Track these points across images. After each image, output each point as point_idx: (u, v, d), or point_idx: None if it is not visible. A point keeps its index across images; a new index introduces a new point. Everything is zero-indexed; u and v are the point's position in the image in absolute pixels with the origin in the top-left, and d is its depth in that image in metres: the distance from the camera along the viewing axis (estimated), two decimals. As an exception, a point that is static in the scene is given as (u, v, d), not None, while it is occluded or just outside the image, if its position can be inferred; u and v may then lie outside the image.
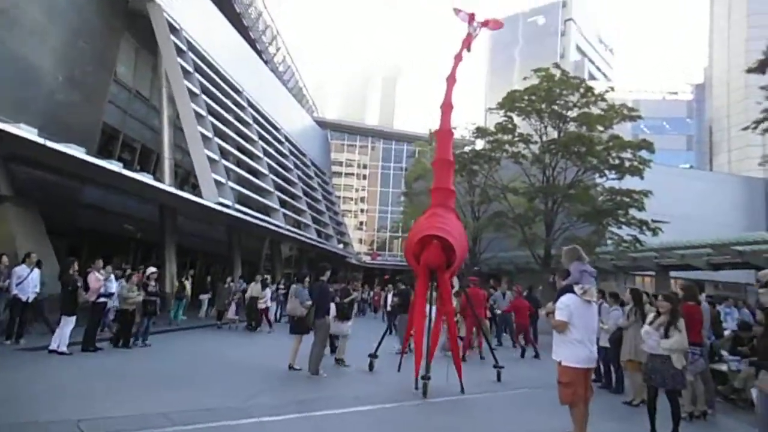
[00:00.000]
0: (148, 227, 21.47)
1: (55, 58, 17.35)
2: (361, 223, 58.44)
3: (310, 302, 7.80)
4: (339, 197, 50.76)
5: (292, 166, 33.58)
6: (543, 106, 22.38)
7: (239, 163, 26.08)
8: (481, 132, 23.77)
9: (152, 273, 10.75)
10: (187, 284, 16.26)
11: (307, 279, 8.96)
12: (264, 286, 15.67)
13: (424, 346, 7.47)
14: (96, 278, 9.20)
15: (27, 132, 11.43)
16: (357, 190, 58.31)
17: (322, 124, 52.06)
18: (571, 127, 22.72)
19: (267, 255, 34.66)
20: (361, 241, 56.90)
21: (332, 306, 8.87)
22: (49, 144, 11.84)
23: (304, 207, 33.29)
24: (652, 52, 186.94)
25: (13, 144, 11.70)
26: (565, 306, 4.71)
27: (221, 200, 18.87)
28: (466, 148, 25.84)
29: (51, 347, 8.33)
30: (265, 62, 36.69)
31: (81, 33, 18.40)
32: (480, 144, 26.00)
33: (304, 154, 39.58)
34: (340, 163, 56.35)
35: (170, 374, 7.69)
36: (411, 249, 7.82)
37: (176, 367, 8.28)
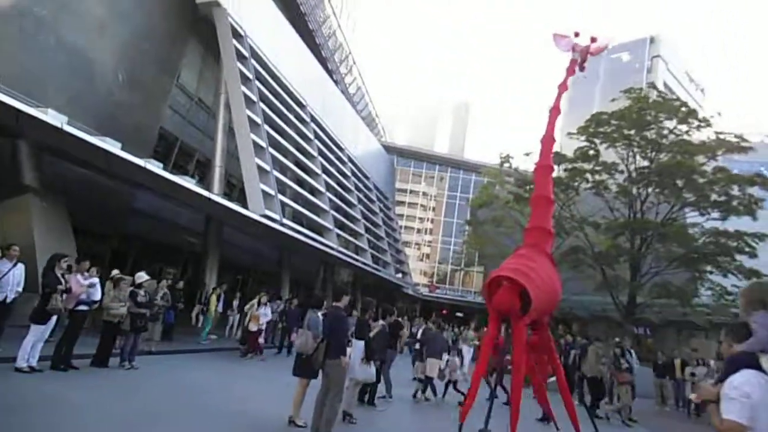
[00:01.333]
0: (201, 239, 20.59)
1: (117, 56, 17.05)
2: (425, 255, 56.30)
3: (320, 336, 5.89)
4: (401, 227, 48.98)
5: (352, 188, 32.29)
6: (632, 131, 19.58)
7: (298, 180, 25.05)
8: (558, 157, 21.22)
9: (144, 281, 9.07)
10: (214, 299, 14.41)
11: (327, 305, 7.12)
12: (260, 304, 13.25)
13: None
14: (77, 282, 7.73)
15: (53, 119, 10.57)
16: (421, 220, 56.41)
17: (390, 149, 50.97)
18: (665, 157, 19.68)
19: (323, 278, 33.28)
20: (423, 273, 54.60)
21: (357, 344, 6.94)
22: (78, 134, 10.94)
23: (362, 230, 31.75)
24: (747, 92, 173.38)
25: (40, 132, 10.89)
26: (743, 395, 2.31)
27: (267, 213, 17.59)
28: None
29: (17, 364, 6.90)
30: (336, 83, 36.24)
31: (146, 34, 18.12)
32: (555, 172, 23.35)
33: (367, 177, 38.35)
34: (405, 192, 54.81)
35: (129, 416, 5.86)
36: (485, 289, 7.08)
37: (142, 407, 6.31)
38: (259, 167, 18.46)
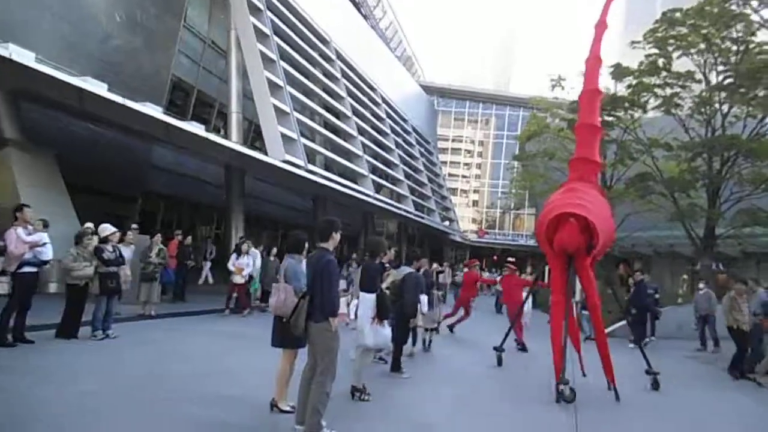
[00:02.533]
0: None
1: (112, -5, 15.39)
2: (473, 201, 53.60)
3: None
4: (446, 174, 46.28)
5: (388, 131, 30.09)
6: (714, 30, 16.22)
7: (326, 124, 23.18)
8: (620, 72, 18.08)
9: (111, 233, 7.39)
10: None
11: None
12: (239, 252, 11.30)
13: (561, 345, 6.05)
14: (17, 238, 6.06)
15: (19, 55, 9.06)
16: (467, 166, 53.41)
17: (429, 89, 47.81)
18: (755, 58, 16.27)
19: (365, 230, 31.85)
20: (472, 220, 52.16)
21: (366, 299, 5.18)
22: (50, 72, 9.43)
23: (401, 176, 29.72)
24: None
25: (5, 72, 9.45)
26: None
27: (289, 158, 15.89)
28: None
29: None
30: (364, 17, 33.49)
31: (141, -32, 16.30)
32: (617, 89, 20.09)
33: (405, 120, 35.91)
34: (447, 138, 51.77)
35: (83, 406, 4.39)
36: (542, 230, 6.58)
37: (78, 396, 4.68)
38: (277, 108, 16.64)
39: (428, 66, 53.43)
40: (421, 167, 35.83)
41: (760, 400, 7.27)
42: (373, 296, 5.07)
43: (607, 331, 10.78)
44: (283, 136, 16.29)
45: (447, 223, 40.12)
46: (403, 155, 32.11)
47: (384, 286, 5.22)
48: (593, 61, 7.41)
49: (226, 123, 18.08)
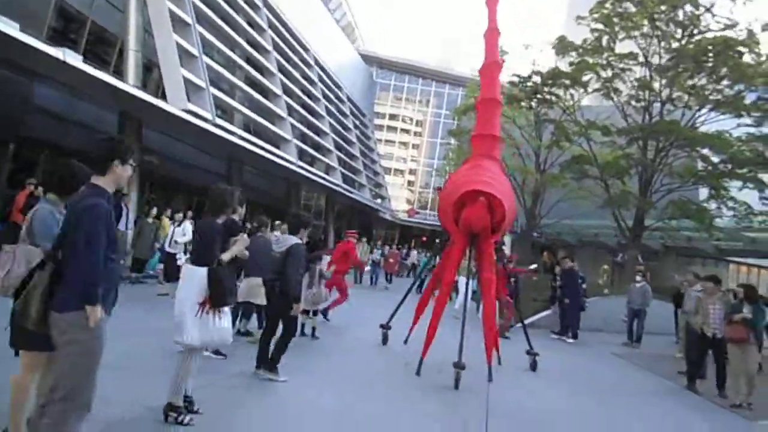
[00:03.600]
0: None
1: None
2: (408, 181, 52.20)
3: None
4: (380, 154, 44.46)
5: (319, 96, 27.91)
6: (661, 9, 15.46)
7: (246, 78, 20.75)
8: (563, 46, 17.06)
9: None
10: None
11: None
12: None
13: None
14: None
15: None
16: (404, 145, 51.78)
17: (369, 59, 45.63)
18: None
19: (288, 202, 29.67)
20: (407, 201, 50.84)
21: (194, 275, 3.39)
22: None
23: (331, 146, 27.73)
24: None
25: None
26: None
27: (192, 107, 13.57)
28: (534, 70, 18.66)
29: None
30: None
31: None
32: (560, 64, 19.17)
33: (339, 87, 33.78)
34: (384, 116, 49.94)
35: None
36: (448, 208, 6.35)
37: None
38: (182, 48, 14.21)
39: (369, 36, 50.86)
40: (354, 139, 33.99)
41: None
42: (203, 271, 3.29)
43: (529, 321, 10.17)
44: (187, 81, 13.92)
45: (379, 201, 38.70)
46: (335, 124, 30.09)
47: (226, 257, 3.40)
48: (491, 33, 7.21)
49: (123, 63, 15.32)
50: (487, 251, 6.29)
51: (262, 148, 18.59)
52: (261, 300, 5.73)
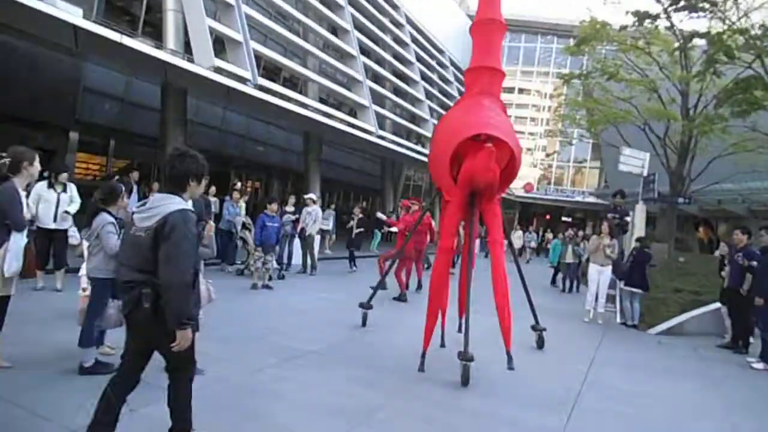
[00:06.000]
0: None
1: None
2: (526, 149, 46.14)
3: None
4: None
5: (411, 58, 24.74)
6: None
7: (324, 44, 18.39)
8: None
9: None
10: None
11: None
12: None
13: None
14: None
15: None
16: (521, 118, 45.74)
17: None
18: None
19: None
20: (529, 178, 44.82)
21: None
22: None
23: (426, 114, 24.48)
24: None
25: None
26: None
27: (219, 65, 11.35)
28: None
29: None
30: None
31: None
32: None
33: (441, 51, 30.24)
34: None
35: None
36: (442, 158, 5.18)
37: None
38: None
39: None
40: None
41: None
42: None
43: (669, 324, 8.27)
44: (215, 33, 11.71)
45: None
46: (433, 91, 26.70)
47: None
48: None
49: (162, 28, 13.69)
50: (493, 211, 5.45)
51: (335, 118, 16.18)
52: None
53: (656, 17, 13.09)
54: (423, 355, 5.04)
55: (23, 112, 12.75)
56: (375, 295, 6.75)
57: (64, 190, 6.60)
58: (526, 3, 43.93)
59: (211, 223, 4.47)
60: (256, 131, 20.08)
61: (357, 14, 19.96)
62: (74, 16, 8.96)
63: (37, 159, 4.02)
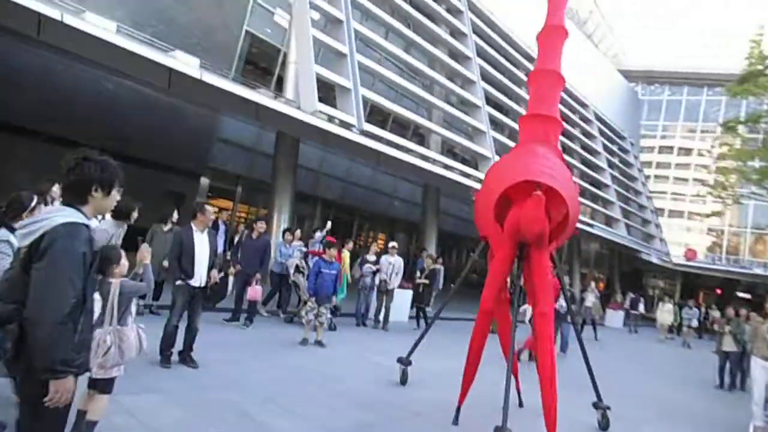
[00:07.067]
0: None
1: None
2: (688, 213, 39.59)
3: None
4: (648, 187, 34.85)
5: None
6: None
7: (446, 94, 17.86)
8: None
9: None
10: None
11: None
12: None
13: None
14: None
15: None
16: (681, 180, 40.05)
17: (629, 74, 37.86)
18: None
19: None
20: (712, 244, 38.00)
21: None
22: None
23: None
24: None
25: None
26: None
27: (320, 109, 11.15)
28: None
29: None
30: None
31: None
32: None
33: (583, 104, 27.95)
34: (651, 149, 40.37)
35: None
36: (487, 205, 4.95)
37: None
38: (327, 46, 12.13)
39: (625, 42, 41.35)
40: (603, 164, 27.31)
41: None
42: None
43: None
44: (322, 80, 11.64)
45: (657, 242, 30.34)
46: (574, 146, 24.46)
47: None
48: None
49: (282, 82, 14.29)
50: (542, 267, 4.80)
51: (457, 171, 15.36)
52: None
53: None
54: (458, 411, 4.94)
55: (163, 159, 14.09)
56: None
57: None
58: (691, 52, 39.20)
59: (144, 246, 3.49)
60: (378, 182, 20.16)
61: (481, 61, 19.17)
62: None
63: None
